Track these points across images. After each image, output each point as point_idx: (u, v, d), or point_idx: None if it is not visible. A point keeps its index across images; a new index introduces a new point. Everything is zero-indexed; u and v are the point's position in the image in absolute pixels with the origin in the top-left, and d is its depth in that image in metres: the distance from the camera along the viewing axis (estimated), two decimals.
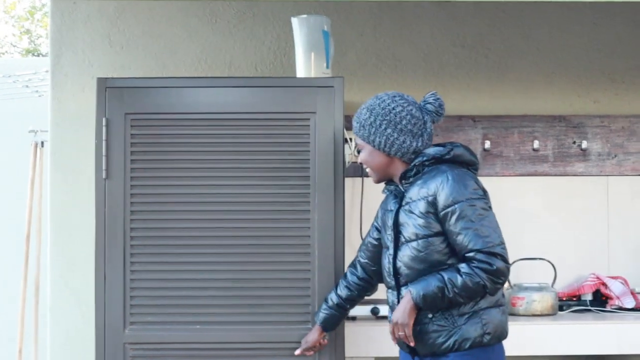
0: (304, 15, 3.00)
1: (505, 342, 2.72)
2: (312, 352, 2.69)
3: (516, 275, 3.23)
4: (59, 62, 3.22)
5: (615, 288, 3.24)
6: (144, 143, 2.75)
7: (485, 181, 3.14)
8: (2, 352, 4.22)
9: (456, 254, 2.31)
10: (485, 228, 2.24)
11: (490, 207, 2.35)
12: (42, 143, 3.49)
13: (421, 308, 2.25)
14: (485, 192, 2.39)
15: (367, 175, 2.63)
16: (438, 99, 2.47)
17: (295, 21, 2.98)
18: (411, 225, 2.30)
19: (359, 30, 3.53)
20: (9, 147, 4.38)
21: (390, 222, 2.41)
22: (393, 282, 2.37)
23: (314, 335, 2.65)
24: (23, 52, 8.94)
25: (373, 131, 2.37)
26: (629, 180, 3.45)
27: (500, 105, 3.47)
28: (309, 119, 2.69)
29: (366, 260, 2.57)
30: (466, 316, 2.26)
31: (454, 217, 2.24)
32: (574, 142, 3.42)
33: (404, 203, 2.38)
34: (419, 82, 3.47)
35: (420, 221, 2.28)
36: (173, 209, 2.76)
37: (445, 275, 2.24)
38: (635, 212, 3.46)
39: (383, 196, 2.59)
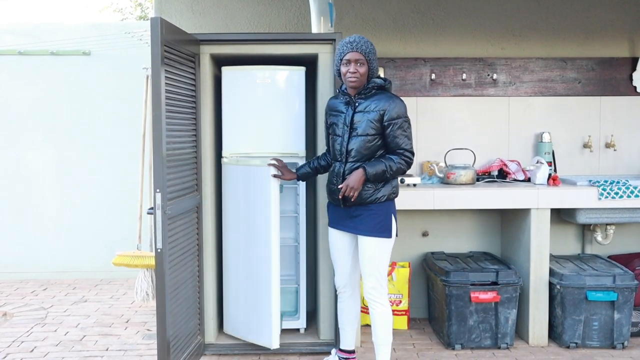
0: None
1: (442, 199, 3.50)
2: (277, 171, 2.96)
3: (450, 158, 3.90)
4: None
5: (512, 167, 3.87)
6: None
7: (431, 100, 3.96)
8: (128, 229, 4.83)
9: (385, 148, 2.75)
10: (409, 137, 2.75)
11: (410, 125, 2.79)
12: None
13: (368, 180, 2.72)
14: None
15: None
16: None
17: None
18: (365, 126, 2.70)
19: (352, 2, 4.04)
20: (131, 79, 4.92)
21: (347, 121, 2.74)
22: (343, 159, 2.78)
23: (290, 175, 3.01)
24: (137, 17, 11.39)
25: (374, 57, 2.77)
26: (523, 99, 4.05)
27: (441, 51, 4.02)
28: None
29: (329, 152, 2.93)
30: (383, 183, 2.78)
31: (395, 127, 2.70)
32: (488, 75, 4.03)
33: (358, 110, 2.72)
34: (389, 36, 4.02)
35: (372, 124, 2.70)
36: None
37: (387, 162, 2.69)
38: (525, 120, 4.05)
39: None
